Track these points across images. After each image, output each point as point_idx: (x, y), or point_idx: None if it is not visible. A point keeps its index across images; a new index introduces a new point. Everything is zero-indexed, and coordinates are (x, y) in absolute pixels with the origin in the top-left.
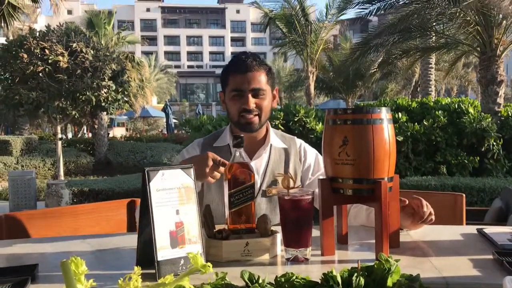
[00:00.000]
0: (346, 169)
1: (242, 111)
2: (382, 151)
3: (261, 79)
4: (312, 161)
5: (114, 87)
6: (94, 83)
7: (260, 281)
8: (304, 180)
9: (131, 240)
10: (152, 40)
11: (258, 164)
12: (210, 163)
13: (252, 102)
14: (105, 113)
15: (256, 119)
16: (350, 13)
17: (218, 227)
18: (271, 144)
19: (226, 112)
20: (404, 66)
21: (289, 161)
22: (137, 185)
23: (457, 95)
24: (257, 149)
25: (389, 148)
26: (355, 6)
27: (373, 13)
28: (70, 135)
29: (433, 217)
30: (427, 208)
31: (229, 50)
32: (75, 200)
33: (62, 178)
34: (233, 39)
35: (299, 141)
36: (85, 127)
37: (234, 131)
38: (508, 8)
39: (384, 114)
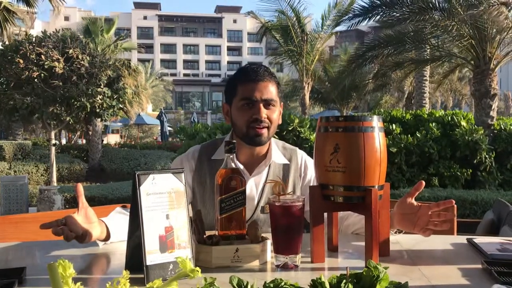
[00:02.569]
0: (337, 176)
1: (252, 121)
2: (373, 159)
3: (273, 90)
4: (312, 176)
5: (109, 94)
6: (89, 90)
7: (249, 287)
8: (302, 194)
9: (121, 245)
10: (149, 48)
11: (257, 181)
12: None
13: (264, 112)
14: (99, 119)
15: (265, 131)
16: (346, 25)
17: (208, 233)
18: (272, 161)
19: (231, 124)
20: (398, 78)
21: (289, 176)
22: (130, 192)
23: (452, 108)
24: (257, 165)
25: (380, 156)
26: (350, 18)
27: (367, 23)
28: (64, 141)
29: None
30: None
31: (225, 59)
32: (67, 206)
33: (55, 184)
34: (229, 48)
35: (300, 154)
36: (78, 133)
37: (236, 142)
38: (503, 22)
39: (376, 122)
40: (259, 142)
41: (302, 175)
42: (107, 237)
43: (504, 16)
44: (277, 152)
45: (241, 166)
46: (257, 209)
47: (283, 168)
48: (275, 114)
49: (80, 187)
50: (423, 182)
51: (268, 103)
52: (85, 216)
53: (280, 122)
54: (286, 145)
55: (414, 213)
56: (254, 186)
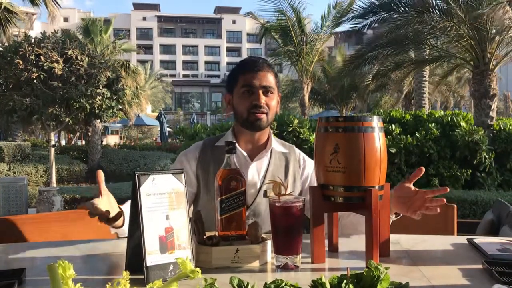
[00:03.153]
0: (337, 176)
1: (252, 107)
2: (373, 159)
3: (271, 79)
4: (310, 171)
5: (108, 95)
6: (89, 91)
7: (249, 287)
8: (302, 186)
9: (121, 246)
10: (148, 49)
11: (259, 166)
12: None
13: (262, 99)
14: (98, 120)
15: (264, 116)
16: (346, 26)
17: (209, 233)
18: (272, 148)
19: (233, 113)
20: (398, 78)
21: (289, 166)
22: (130, 193)
23: (452, 109)
24: (258, 152)
25: (380, 156)
26: (350, 20)
27: (367, 27)
28: (63, 142)
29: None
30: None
31: (224, 60)
32: (66, 208)
33: (54, 185)
34: (228, 49)
35: (298, 150)
36: (77, 134)
37: (238, 131)
38: (505, 22)
39: (376, 122)
40: (259, 126)
41: (301, 166)
42: (122, 225)
43: (508, 15)
44: (277, 143)
45: (245, 153)
46: (259, 193)
47: (284, 158)
48: (273, 102)
49: (101, 173)
50: (423, 169)
51: (267, 90)
52: (107, 202)
53: (278, 110)
54: (284, 142)
55: (410, 197)
56: (256, 172)
